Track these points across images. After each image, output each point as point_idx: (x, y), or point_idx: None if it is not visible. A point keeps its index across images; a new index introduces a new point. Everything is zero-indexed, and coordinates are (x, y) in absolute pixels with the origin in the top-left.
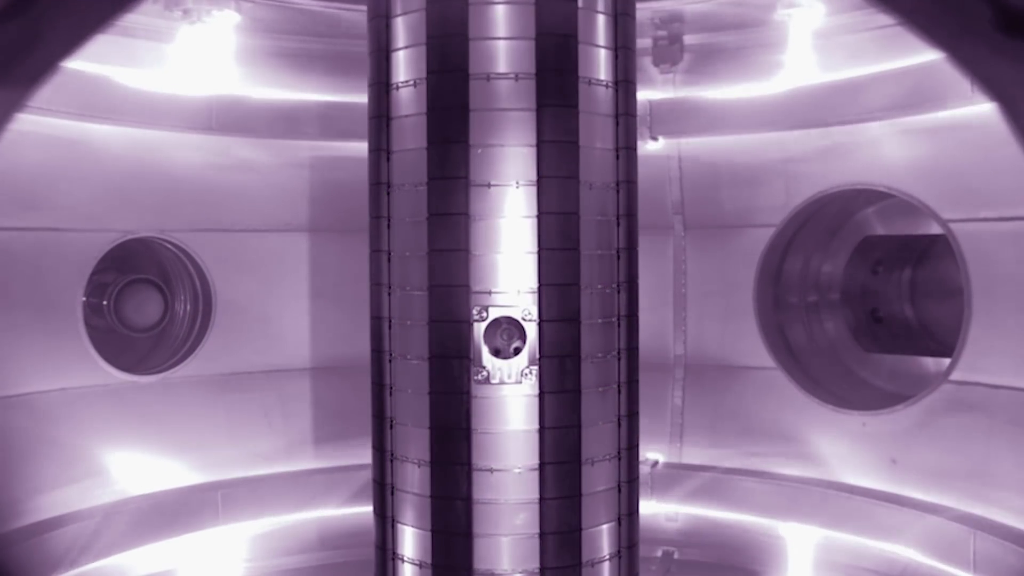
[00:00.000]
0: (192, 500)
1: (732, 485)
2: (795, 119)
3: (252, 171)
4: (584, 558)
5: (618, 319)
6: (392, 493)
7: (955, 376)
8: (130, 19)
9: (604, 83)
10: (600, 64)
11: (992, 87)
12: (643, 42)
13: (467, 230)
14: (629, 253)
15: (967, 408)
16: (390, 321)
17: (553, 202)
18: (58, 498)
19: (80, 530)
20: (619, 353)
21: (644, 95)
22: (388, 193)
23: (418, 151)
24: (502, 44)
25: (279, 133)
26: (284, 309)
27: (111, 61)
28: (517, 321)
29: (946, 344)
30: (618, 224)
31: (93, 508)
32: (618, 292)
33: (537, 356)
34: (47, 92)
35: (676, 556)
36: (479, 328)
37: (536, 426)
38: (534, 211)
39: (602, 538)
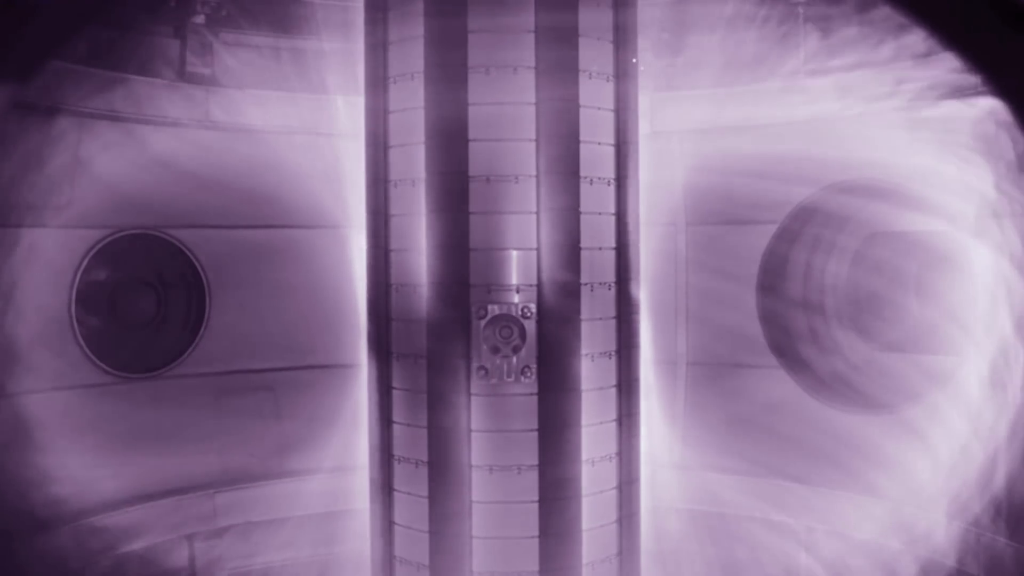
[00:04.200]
0: (189, 500)
1: (734, 483)
2: (798, 113)
3: (249, 166)
4: (585, 559)
5: (619, 317)
6: (390, 493)
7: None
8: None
9: (605, 76)
10: (601, 56)
11: (998, 80)
12: (645, 35)
13: (466, 225)
14: (630, 249)
15: (964, 406)
16: (388, 319)
17: (553, 197)
18: (50, 499)
19: (74, 531)
20: (619, 351)
21: (646, 89)
22: (386, 188)
23: (416, 146)
24: (501, 35)
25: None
26: (281, 307)
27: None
28: (516, 318)
29: (948, 343)
30: (618, 220)
31: (85, 509)
32: (619, 289)
33: (536, 354)
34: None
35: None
36: (478, 325)
37: (535, 425)
38: (534, 207)
39: (603, 539)
